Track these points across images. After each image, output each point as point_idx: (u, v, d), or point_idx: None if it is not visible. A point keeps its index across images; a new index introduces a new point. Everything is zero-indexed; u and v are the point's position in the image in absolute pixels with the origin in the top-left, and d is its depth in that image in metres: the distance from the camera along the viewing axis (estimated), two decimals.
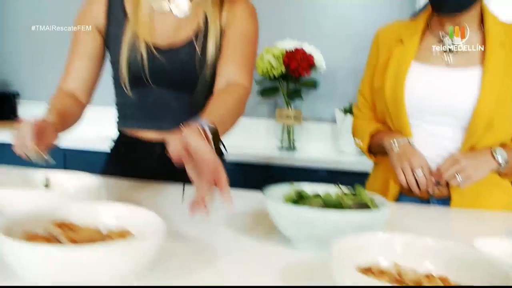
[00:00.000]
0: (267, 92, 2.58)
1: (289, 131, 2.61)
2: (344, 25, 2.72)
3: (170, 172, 1.15)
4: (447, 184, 1.11)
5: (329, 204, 0.67)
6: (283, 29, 2.65)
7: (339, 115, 2.58)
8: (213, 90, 1.10)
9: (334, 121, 2.67)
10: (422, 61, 1.17)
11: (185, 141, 0.67)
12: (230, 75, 1.07)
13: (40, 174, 0.91)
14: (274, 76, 2.45)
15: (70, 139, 2.40)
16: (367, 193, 0.73)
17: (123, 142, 1.25)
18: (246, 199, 1.05)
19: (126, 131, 1.23)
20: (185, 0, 1.13)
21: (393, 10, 2.68)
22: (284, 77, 2.51)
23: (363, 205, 0.68)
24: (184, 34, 1.13)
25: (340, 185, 0.77)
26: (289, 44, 2.47)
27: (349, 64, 2.71)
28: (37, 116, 0.92)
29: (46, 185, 0.90)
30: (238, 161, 2.23)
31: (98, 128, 2.87)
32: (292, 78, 2.51)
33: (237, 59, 1.09)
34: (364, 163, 2.16)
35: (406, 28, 1.23)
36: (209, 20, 1.12)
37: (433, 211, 1.11)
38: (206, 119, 0.79)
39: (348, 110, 2.54)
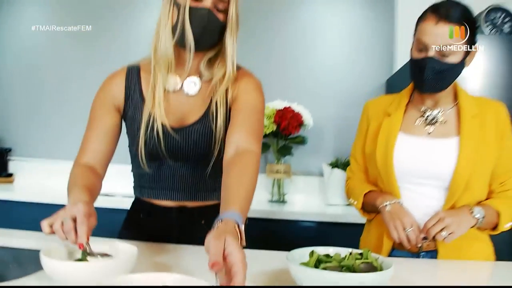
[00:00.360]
0: None
1: (279, 185, 2.75)
2: (328, 85, 2.94)
3: (185, 235, 1.27)
4: (434, 239, 1.25)
5: (344, 267, 0.81)
6: (274, 91, 2.84)
7: (326, 169, 2.73)
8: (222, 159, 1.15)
9: (321, 175, 2.83)
10: (407, 132, 1.34)
11: (225, 251, 0.72)
12: (239, 142, 1.10)
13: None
14: (265, 133, 2.62)
15: (63, 196, 2.48)
16: (372, 255, 0.87)
17: (140, 208, 1.33)
18: (264, 259, 1.16)
19: (143, 198, 1.32)
20: (196, 79, 1.23)
21: (372, 71, 2.92)
22: (275, 134, 2.68)
23: (370, 266, 0.82)
24: (195, 112, 1.22)
25: (352, 250, 0.91)
26: (280, 104, 2.65)
27: (334, 121, 2.92)
28: (78, 200, 0.95)
29: (85, 254, 0.94)
30: None
31: None
32: (282, 135, 2.68)
33: (245, 127, 1.13)
34: (351, 215, 2.30)
35: (392, 102, 1.42)
36: (217, 98, 1.21)
37: (423, 264, 1.25)
38: (237, 210, 0.86)
39: (335, 164, 2.70)
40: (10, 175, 3.14)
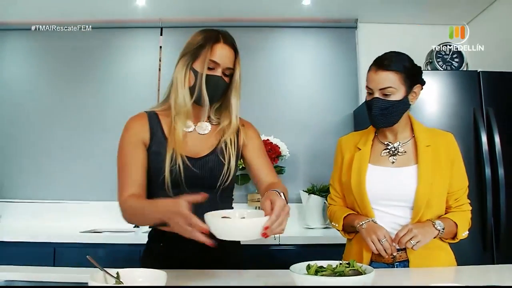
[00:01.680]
0: (242, 179, 2.92)
1: None
2: (301, 118, 3.21)
3: (204, 258, 1.44)
4: (405, 250, 1.49)
5: (337, 272, 1.02)
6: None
7: (303, 195, 2.95)
8: (229, 187, 1.52)
9: (299, 201, 3.05)
10: (374, 163, 1.60)
11: (273, 200, 1.14)
12: (267, 179, 1.51)
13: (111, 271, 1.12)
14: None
15: (59, 234, 2.63)
16: (358, 264, 1.09)
17: (159, 238, 1.48)
18: (269, 277, 1.37)
19: (160, 228, 1.45)
20: (206, 124, 1.54)
21: (340, 104, 3.22)
22: None
23: (357, 271, 1.04)
24: (207, 147, 1.49)
25: (341, 261, 1.12)
26: None
27: (308, 151, 3.17)
28: None
29: (117, 279, 1.11)
30: None
31: (83, 223, 3.05)
32: None
33: (265, 168, 1.54)
34: (329, 236, 2.53)
35: (360, 137, 1.68)
36: (226, 138, 1.51)
37: (398, 272, 1.47)
38: (278, 188, 1.25)
39: (311, 191, 2.93)
40: None
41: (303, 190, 2.97)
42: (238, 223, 1.18)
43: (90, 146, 3.29)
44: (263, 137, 2.89)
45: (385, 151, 1.61)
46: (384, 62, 1.52)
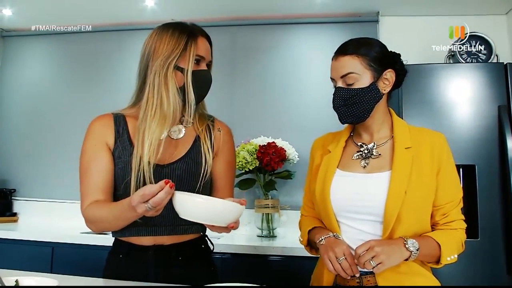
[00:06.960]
0: (245, 184, 2.75)
1: (268, 220, 2.75)
2: (313, 119, 2.98)
3: (164, 273, 1.32)
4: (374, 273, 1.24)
5: None
6: (258, 128, 2.91)
7: None
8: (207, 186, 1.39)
9: None
10: (343, 168, 1.36)
11: None
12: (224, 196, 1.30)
13: (11, 277, 1.07)
14: (249, 169, 2.65)
15: (57, 235, 2.60)
16: None
17: (119, 249, 1.37)
18: None
19: (122, 239, 1.36)
20: (180, 127, 1.39)
21: None
22: (259, 169, 2.71)
23: None
24: (178, 152, 1.36)
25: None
26: (263, 141, 2.70)
27: None
28: None
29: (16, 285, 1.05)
30: (225, 252, 2.34)
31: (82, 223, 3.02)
32: (267, 170, 2.70)
33: (226, 186, 1.43)
34: None
35: (333, 138, 1.45)
36: (201, 141, 1.38)
37: None
38: None
39: None
40: (15, 214, 3.29)
41: None
42: (210, 203, 1.10)
43: None
44: (269, 140, 2.70)
45: (357, 153, 1.37)
46: (344, 47, 1.32)
